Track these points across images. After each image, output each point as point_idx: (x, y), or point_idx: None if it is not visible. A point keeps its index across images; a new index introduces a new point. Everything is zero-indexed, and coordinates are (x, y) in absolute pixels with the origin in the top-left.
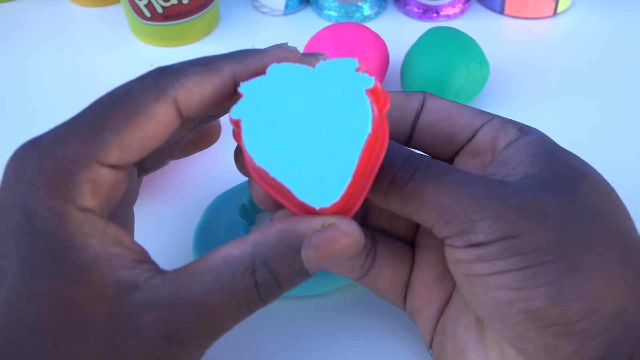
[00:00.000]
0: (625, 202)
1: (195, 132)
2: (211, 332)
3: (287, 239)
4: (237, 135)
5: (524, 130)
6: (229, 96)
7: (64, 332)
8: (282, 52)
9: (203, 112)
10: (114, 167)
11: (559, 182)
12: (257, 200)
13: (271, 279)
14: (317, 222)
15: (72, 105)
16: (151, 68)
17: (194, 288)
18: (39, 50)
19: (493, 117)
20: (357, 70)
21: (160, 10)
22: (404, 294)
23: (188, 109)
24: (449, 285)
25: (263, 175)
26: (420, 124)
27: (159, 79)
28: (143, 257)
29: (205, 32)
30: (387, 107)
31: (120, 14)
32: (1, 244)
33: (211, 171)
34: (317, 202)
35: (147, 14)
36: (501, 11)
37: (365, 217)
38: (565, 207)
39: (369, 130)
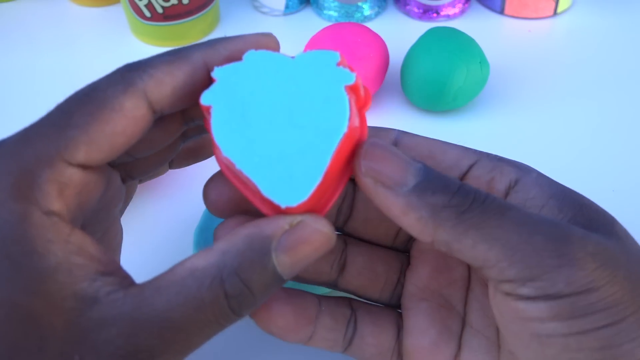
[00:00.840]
0: (626, 201)
1: (194, 141)
2: (177, 349)
3: (255, 243)
4: (207, 123)
5: (520, 167)
6: (203, 85)
7: (18, 347)
8: (256, 38)
9: (178, 104)
10: (83, 166)
11: (600, 229)
12: (210, 204)
13: (243, 288)
14: (284, 221)
15: None
16: None
17: (157, 303)
18: (39, 50)
19: (480, 155)
20: (339, 64)
21: (160, 10)
22: (396, 358)
23: (161, 101)
24: (450, 348)
25: (230, 167)
26: None
27: (126, 73)
28: (108, 269)
29: (205, 32)
30: (368, 107)
31: (120, 14)
32: None
33: (211, 172)
34: (283, 199)
35: (147, 14)
36: (501, 11)
37: (345, 222)
38: (623, 253)
39: (345, 129)
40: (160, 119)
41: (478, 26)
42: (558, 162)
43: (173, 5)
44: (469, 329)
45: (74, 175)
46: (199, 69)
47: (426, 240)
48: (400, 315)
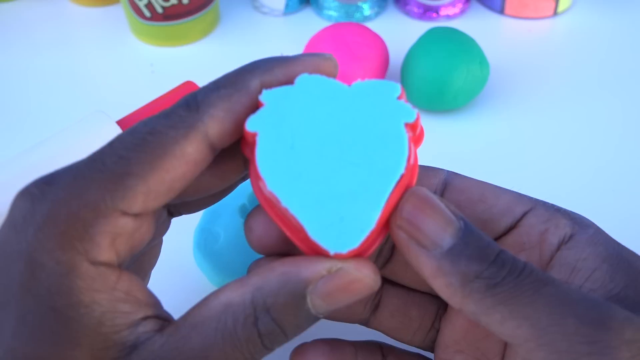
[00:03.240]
0: (626, 200)
1: None
2: None
3: (290, 284)
4: (248, 149)
5: (577, 221)
6: None
7: None
8: (315, 60)
9: (237, 135)
10: (137, 214)
11: None
12: (253, 241)
13: (275, 328)
14: (322, 266)
15: (72, 106)
16: (151, 68)
17: (194, 341)
18: (39, 50)
19: (535, 203)
20: (399, 98)
21: (160, 10)
22: None
23: (222, 139)
24: None
25: (273, 202)
26: None
27: (185, 114)
28: (151, 312)
29: (205, 32)
30: (420, 144)
31: (120, 14)
32: (1, 294)
33: None
34: (332, 245)
35: (147, 14)
36: (501, 11)
37: (384, 265)
38: None
39: (402, 170)
40: (216, 163)
41: (478, 26)
42: (558, 162)
43: (173, 5)
44: None
45: (127, 224)
46: (256, 97)
47: (455, 306)
48: None
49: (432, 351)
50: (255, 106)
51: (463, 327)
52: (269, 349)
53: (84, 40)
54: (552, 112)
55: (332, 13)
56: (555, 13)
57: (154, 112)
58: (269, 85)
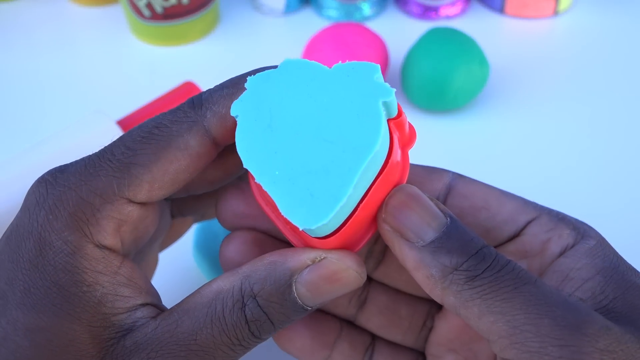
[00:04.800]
0: (626, 200)
1: None
2: None
3: (276, 272)
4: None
5: (580, 231)
6: None
7: None
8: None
9: None
10: (142, 203)
11: (637, 321)
12: (219, 214)
13: (262, 315)
14: (307, 256)
15: (72, 106)
16: (152, 70)
17: (185, 325)
18: (39, 50)
19: (540, 211)
20: (377, 78)
21: (159, 10)
22: None
23: (224, 135)
24: None
25: (257, 184)
26: None
27: (189, 110)
28: (150, 300)
29: (205, 32)
30: (412, 145)
31: (119, 14)
32: (10, 270)
33: None
34: (301, 221)
35: (147, 13)
36: (501, 11)
37: (376, 267)
38: None
39: (376, 146)
40: (220, 157)
41: (478, 26)
42: (558, 162)
43: (173, 5)
44: None
45: (132, 212)
46: None
47: (436, 300)
48: (421, 356)
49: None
50: None
51: (458, 326)
52: (257, 338)
53: (84, 40)
54: (552, 112)
55: (332, 13)
56: (555, 13)
57: (154, 112)
58: None
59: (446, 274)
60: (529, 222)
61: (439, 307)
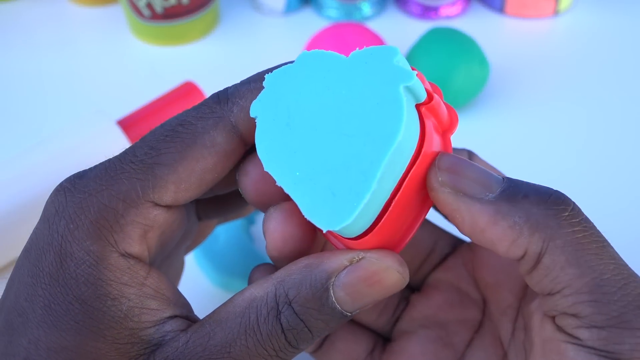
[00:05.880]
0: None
1: None
2: None
3: (312, 276)
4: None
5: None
6: None
7: None
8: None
9: None
10: (168, 206)
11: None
12: (248, 186)
13: (298, 323)
14: (345, 257)
15: (72, 105)
16: (152, 70)
17: (217, 338)
18: (39, 50)
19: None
20: (398, 62)
21: (160, 10)
22: None
23: (252, 131)
24: None
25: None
26: None
27: (214, 105)
28: (179, 311)
29: (205, 32)
30: (453, 130)
31: (119, 14)
32: (30, 285)
33: None
34: (325, 223)
35: (147, 13)
36: (501, 11)
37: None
38: None
39: (399, 136)
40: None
41: (478, 26)
42: (558, 162)
43: (172, 5)
44: None
45: (158, 216)
46: None
47: (516, 254)
48: (379, 336)
49: (390, 333)
50: None
51: (437, 305)
52: (295, 348)
53: (84, 40)
54: (552, 112)
55: (332, 13)
56: (555, 12)
57: (154, 112)
58: None
59: (533, 216)
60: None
61: (417, 290)
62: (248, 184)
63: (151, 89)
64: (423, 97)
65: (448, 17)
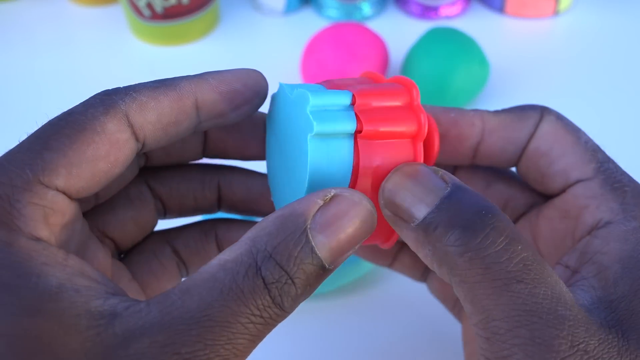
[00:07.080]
0: None
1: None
2: (222, 353)
3: (288, 222)
4: None
5: (626, 208)
6: (191, 116)
7: None
8: (245, 73)
9: (163, 135)
10: (68, 196)
11: (632, 329)
12: None
13: (282, 274)
14: (316, 196)
15: (72, 105)
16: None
17: (189, 304)
18: (39, 50)
19: (596, 173)
20: (310, 109)
21: (160, 9)
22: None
23: (144, 127)
24: None
25: None
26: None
27: (105, 96)
28: (117, 291)
29: (205, 31)
30: (422, 138)
31: (120, 13)
32: None
33: None
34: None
35: (147, 13)
36: (501, 11)
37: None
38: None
39: (306, 184)
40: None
41: (478, 26)
42: None
43: (172, 4)
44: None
45: (59, 201)
46: (186, 97)
47: (444, 279)
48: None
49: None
50: (185, 106)
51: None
52: (279, 307)
53: (84, 40)
54: None
55: (332, 13)
56: (555, 12)
57: None
58: (201, 90)
59: (436, 252)
60: (578, 181)
61: None
62: None
63: None
64: (352, 128)
65: (448, 17)
